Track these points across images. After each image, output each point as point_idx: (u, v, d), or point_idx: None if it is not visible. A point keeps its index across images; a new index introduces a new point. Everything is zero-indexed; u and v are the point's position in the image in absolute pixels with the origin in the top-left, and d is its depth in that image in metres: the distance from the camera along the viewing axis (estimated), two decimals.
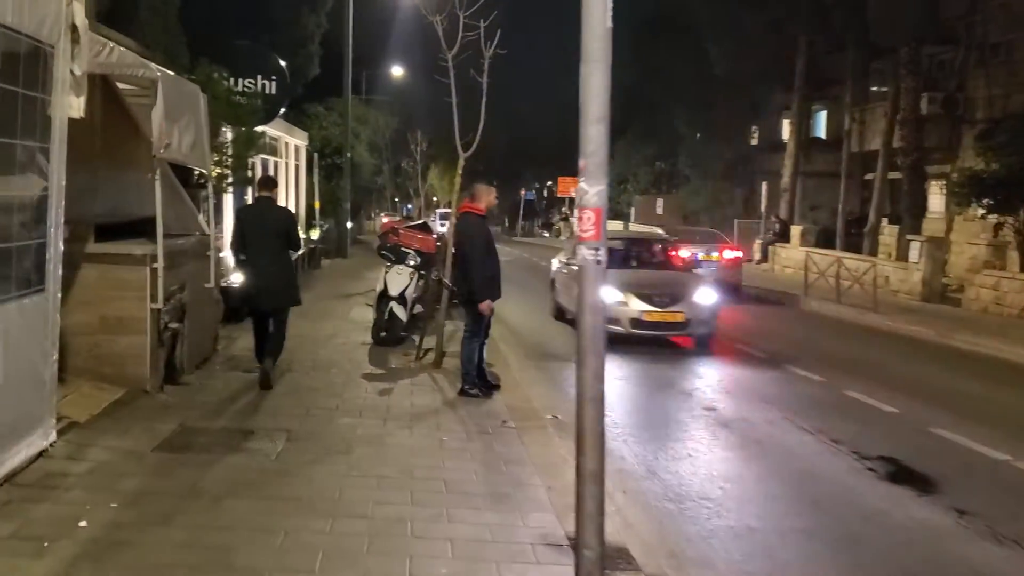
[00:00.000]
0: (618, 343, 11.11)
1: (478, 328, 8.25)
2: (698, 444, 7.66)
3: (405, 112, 37.73)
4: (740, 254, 21.43)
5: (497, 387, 8.46)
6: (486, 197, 8.40)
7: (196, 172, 9.51)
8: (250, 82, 12.68)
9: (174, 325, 7.67)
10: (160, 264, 7.04)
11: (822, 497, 6.27)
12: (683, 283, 12.84)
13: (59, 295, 5.49)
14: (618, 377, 9.89)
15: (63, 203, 5.50)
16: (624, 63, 43.93)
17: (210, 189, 8.73)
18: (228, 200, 12.73)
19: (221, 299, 9.87)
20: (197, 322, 8.52)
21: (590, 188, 3.05)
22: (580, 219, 3.12)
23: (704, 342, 12.29)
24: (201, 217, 8.72)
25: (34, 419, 5.27)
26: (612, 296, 11.39)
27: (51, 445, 5.47)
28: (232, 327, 11.43)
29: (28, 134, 5.01)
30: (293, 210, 20.80)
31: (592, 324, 3.35)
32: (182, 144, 7.61)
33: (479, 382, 8.23)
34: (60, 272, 5.49)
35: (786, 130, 37.25)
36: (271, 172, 18.53)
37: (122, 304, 7.07)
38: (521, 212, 57.08)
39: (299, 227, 11.66)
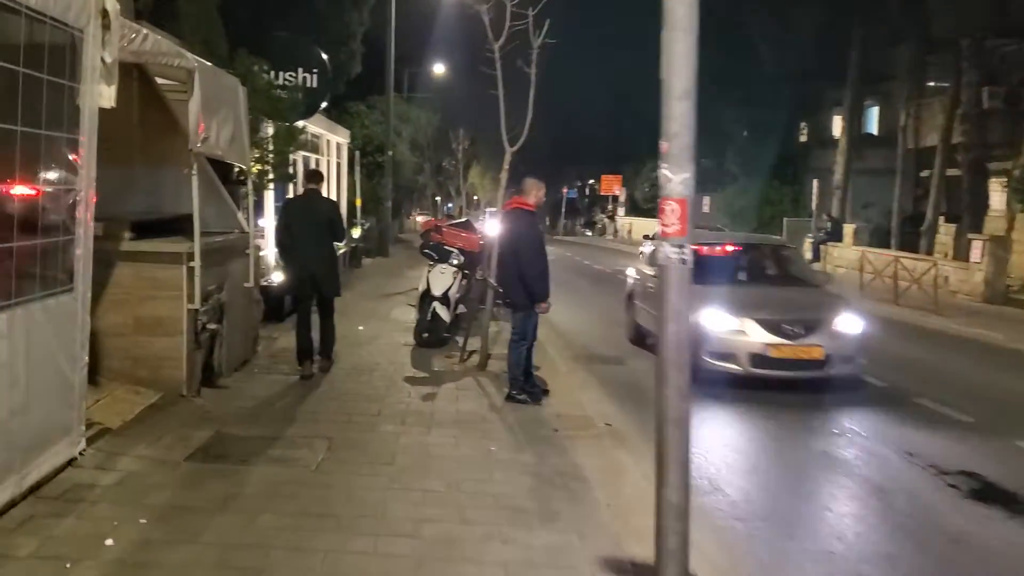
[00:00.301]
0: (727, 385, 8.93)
1: (526, 331, 7.85)
2: (761, 455, 7.19)
3: (447, 110, 37.48)
4: None
5: (546, 392, 8.06)
6: (536, 192, 7.99)
7: (236, 168, 9.24)
8: (291, 75, 12.35)
9: (212, 326, 7.37)
10: (197, 263, 6.74)
11: (902, 516, 5.77)
12: (819, 305, 9.73)
13: (89, 295, 5.20)
14: None
15: (94, 198, 5.19)
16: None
17: (249, 186, 8.44)
18: (269, 197, 12.46)
19: (261, 299, 9.59)
20: (236, 323, 8.24)
21: (674, 175, 2.63)
22: (662, 212, 2.70)
23: (846, 384, 9.17)
24: (240, 214, 8.43)
25: (61, 427, 4.98)
26: (723, 322, 9.08)
27: (80, 454, 5.18)
28: (272, 327, 11.18)
29: (55, 124, 4.72)
30: None
31: (675, 333, 2.93)
32: (220, 138, 7.32)
33: (527, 387, 7.84)
34: (90, 271, 5.19)
35: (836, 126, 36.41)
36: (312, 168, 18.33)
37: (158, 304, 6.79)
38: (563, 210, 56.54)
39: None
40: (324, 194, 9.46)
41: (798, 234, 29.90)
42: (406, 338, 11.08)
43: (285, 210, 9.01)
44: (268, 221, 13.48)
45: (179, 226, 8.31)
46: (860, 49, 27.59)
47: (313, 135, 17.96)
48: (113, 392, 6.50)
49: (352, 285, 16.38)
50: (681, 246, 2.72)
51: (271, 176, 10.24)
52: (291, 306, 12.81)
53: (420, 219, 49.16)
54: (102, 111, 7.25)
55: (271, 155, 9.82)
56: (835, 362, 9.01)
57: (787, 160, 35.26)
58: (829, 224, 26.63)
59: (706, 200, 38.23)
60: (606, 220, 49.60)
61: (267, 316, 11.42)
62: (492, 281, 9.47)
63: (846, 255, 24.40)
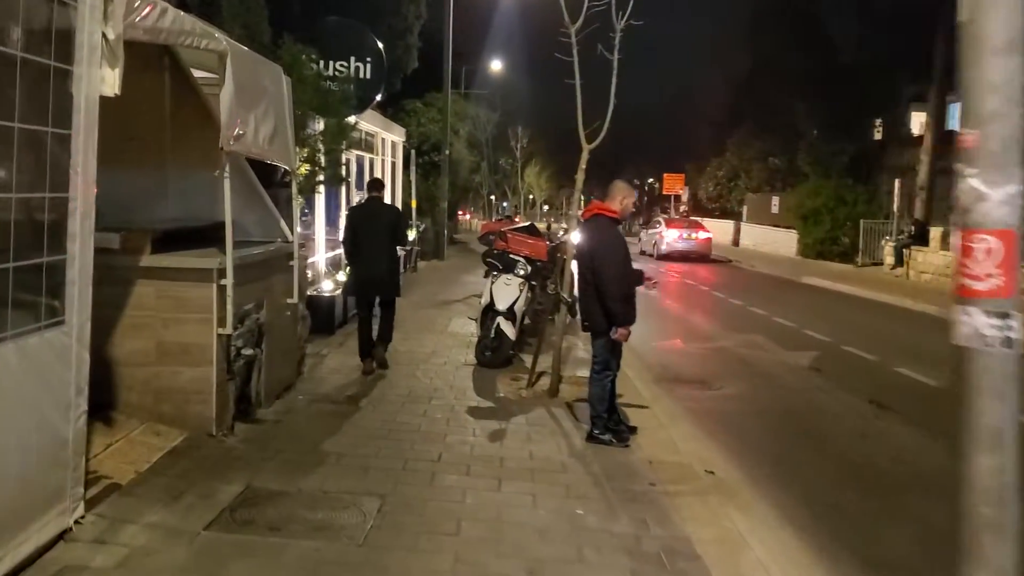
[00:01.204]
0: None
1: (609, 360, 6.72)
2: None
3: (504, 107, 36.45)
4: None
5: (632, 430, 6.93)
6: (624, 198, 6.83)
7: (281, 170, 8.29)
8: (342, 65, 11.22)
9: (248, 352, 6.39)
10: (230, 280, 5.75)
11: None
12: None
13: (88, 327, 4.20)
14: None
15: (93, 208, 4.21)
16: (737, 53, 41.85)
17: (294, 189, 7.45)
18: (319, 202, 11.49)
19: (308, 314, 8.62)
20: (278, 345, 7.26)
21: (991, 187, 1.45)
22: (966, 253, 1.54)
23: None
24: (283, 222, 7.45)
25: (50, 493, 4.00)
26: None
27: (76, 523, 4.20)
28: (322, 341, 10.23)
29: (37, 116, 3.73)
30: None
31: (994, 472, 1.74)
32: (259, 135, 6.33)
33: (612, 425, 6.71)
34: (89, 297, 4.19)
35: (914, 123, 34.53)
36: (366, 169, 17.44)
37: (184, 328, 5.81)
38: None
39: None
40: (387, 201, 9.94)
41: (875, 237, 28.24)
42: (466, 356, 10.05)
43: (350, 217, 9.50)
44: (319, 228, 12.57)
45: (217, 236, 7.39)
46: (947, 38, 25.80)
47: (367, 133, 17.05)
48: (130, 433, 5.53)
49: (407, 292, 15.39)
50: (1006, 315, 1.56)
51: (320, 178, 9.23)
52: (342, 317, 11.89)
53: (466, 216, 48.25)
54: (121, 103, 6.31)
55: (321, 154, 8.81)
56: None
57: (860, 158, 33.53)
58: (912, 227, 24.93)
59: (775, 200, 36.62)
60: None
61: (315, 329, 10.49)
62: (565, 295, 8.38)
63: (932, 260, 22.73)
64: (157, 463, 5.24)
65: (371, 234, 8.70)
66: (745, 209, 40.69)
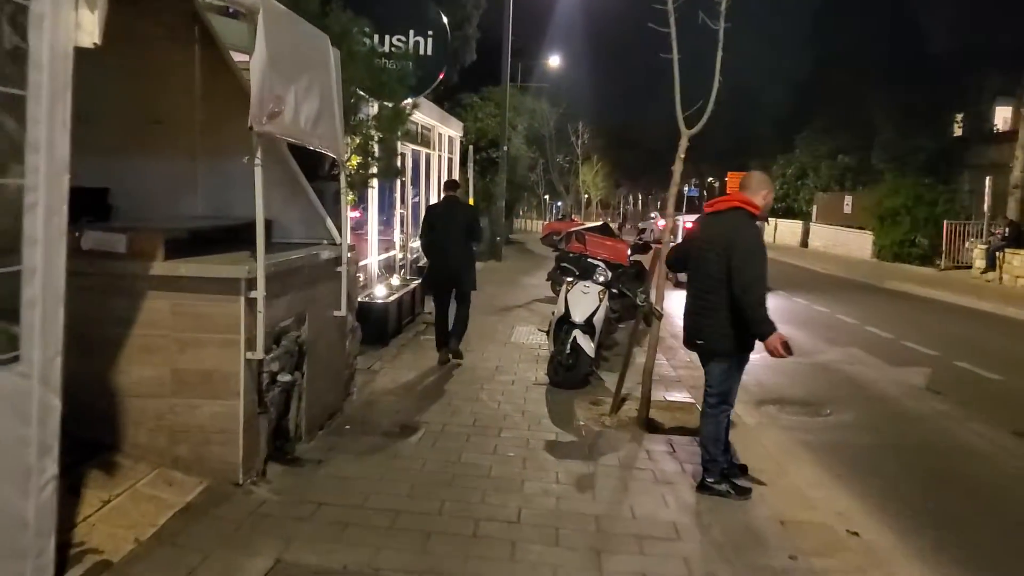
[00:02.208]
0: None
1: (728, 391, 5.45)
2: None
3: (566, 101, 35.18)
4: None
5: (744, 469, 5.67)
6: (768, 193, 5.59)
7: (327, 161, 7.18)
8: (399, 39, 9.92)
9: (286, 378, 5.26)
10: (261, 292, 4.63)
11: None
12: None
13: (58, 362, 3.11)
14: None
15: (65, 202, 3.10)
16: (805, 43, 40.02)
17: (342, 182, 6.31)
18: (372, 199, 10.36)
19: (358, 325, 7.49)
20: (322, 366, 6.14)
21: None
22: None
23: None
24: (329, 221, 6.31)
25: None
26: None
27: None
28: (374, 353, 9.14)
29: None
30: None
31: None
32: (300, 115, 5.20)
33: (729, 472, 5.45)
34: (59, 323, 3.09)
35: (998, 117, 32.45)
36: (422, 165, 16.34)
37: (205, 352, 4.70)
38: (684, 209, 53.22)
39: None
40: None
41: (958, 239, 26.41)
42: (536, 372, 8.88)
43: (428, 216, 9.73)
44: (371, 227, 11.48)
45: (254, 237, 6.32)
46: None
47: (424, 127, 15.94)
48: (135, 484, 4.43)
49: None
50: None
51: (373, 170, 8.08)
52: (396, 326, 10.78)
53: (530, 221, 47.13)
54: (144, 81, 5.39)
55: (374, 143, 7.62)
56: None
57: (939, 155, 31.54)
58: (1006, 228, 23.07)
59: (848, 200, 34.76)
60: None
61: (366, 340, 9.41)
62: (658, 308, 7.14)
63: None
64: (165, 527, 4.12)
65: (447, 232, 9.07)
66: (815, 209, 38.82)
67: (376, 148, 7.51)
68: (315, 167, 6.87)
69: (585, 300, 8.40)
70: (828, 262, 29.59)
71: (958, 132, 33.54)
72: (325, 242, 6.38)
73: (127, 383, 4.68)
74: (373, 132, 7.39)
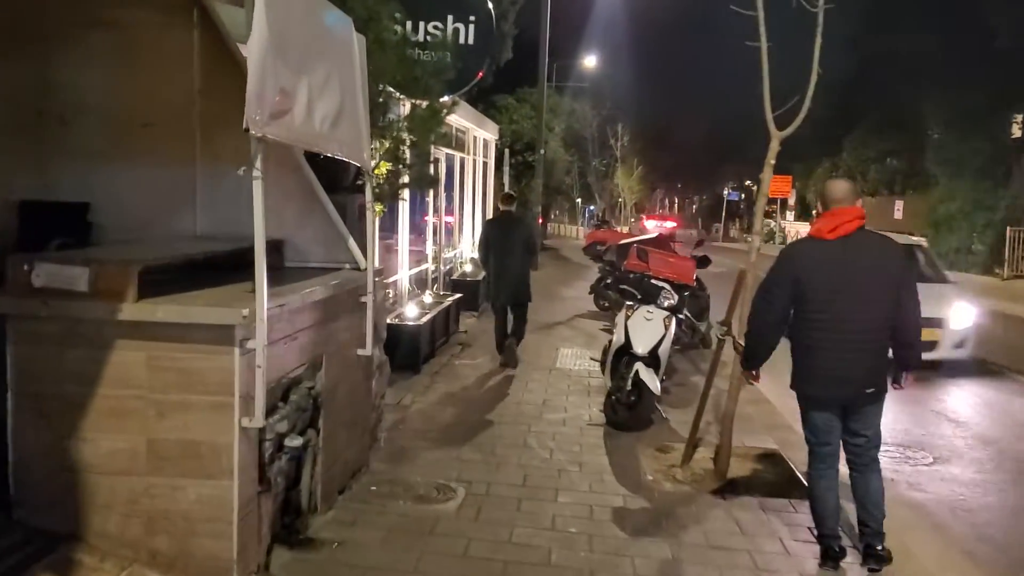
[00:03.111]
0: None
1: (833, 440, 4.44)
2: None
3: (607, 101, 34.00)
4: None
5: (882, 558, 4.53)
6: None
7: (352, 169, 6.12)
8: (436, 26, 8.45)
9: (295, 442, 4.21)
10: (261, 341, 3.58)
11: None
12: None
13: None
14: None
15: None
16: (854, 40, 38.45)
17: (368, 194, 5.25)
18: (402, 208, 9.31)
19: (386, 359, 6.44)
20: (342, 417, 5.09)
21: None
22: None
23: None
24: (351, 240, 5.24)
25: None
26: None
27: None
28: (403, 383, 8.14)
29: None
30: (479, 215, 17.56)
31: None
32: (315, 115, 4.15)
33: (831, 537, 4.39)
34: None
35: None
36: (456, 170, 15.32)
37: (190, 418, 3.65)
38: (724, 214, 51.77)
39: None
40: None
41: (1021, 246, 24.89)
42: (589, 408, 7.81)
43: (485, 230, 10.38)
44: (402, 238, 10.44)
45: (269, 260, 5.29)
46: None
47: (458, 129, 14.90)
48: None
49: None
50: None
51: (404, 179, 7.00)
52: (428, 349, 9.74)
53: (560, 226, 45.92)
54: (133, 76, 4.55)
55: (406, 148, 6.50)
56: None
57: (997, 159, 29.93)
58: None
59: (899, 204, 33.26)
60: (775, 224, 44.84)
61: (397, 366, 8.41)
62: (741, 341, 6.00)
63: None
64: None
65: (504, 245, 9.49)
66: None
67: (408, 154, 6.40)
68: (336, 177, 5.82)
69: (649, 328, 7.29)
70: None
71: (1017, 133, 31.89)
72: (348, 266, 5.33)
73: (91, 457, 3.65)
74: (405, 135, 6.29)
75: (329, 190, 5.64)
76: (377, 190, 6.28)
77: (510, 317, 9.82)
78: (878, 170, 36.81)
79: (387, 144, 6.24)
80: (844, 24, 41.39)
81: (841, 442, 4.61)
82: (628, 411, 7.13)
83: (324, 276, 4.94)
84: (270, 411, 3.96)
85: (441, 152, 13.17)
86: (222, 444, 3.64)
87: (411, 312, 9.67)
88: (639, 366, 7.13)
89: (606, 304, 13.81)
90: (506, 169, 20.02)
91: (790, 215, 43.29)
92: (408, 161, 6.43)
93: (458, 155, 15.23)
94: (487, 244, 9.78)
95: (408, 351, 9.09)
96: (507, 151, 20.66)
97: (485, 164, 18.77)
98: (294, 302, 4.12)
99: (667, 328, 7.36)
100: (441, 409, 7.58)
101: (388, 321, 9.27)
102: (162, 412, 3.65)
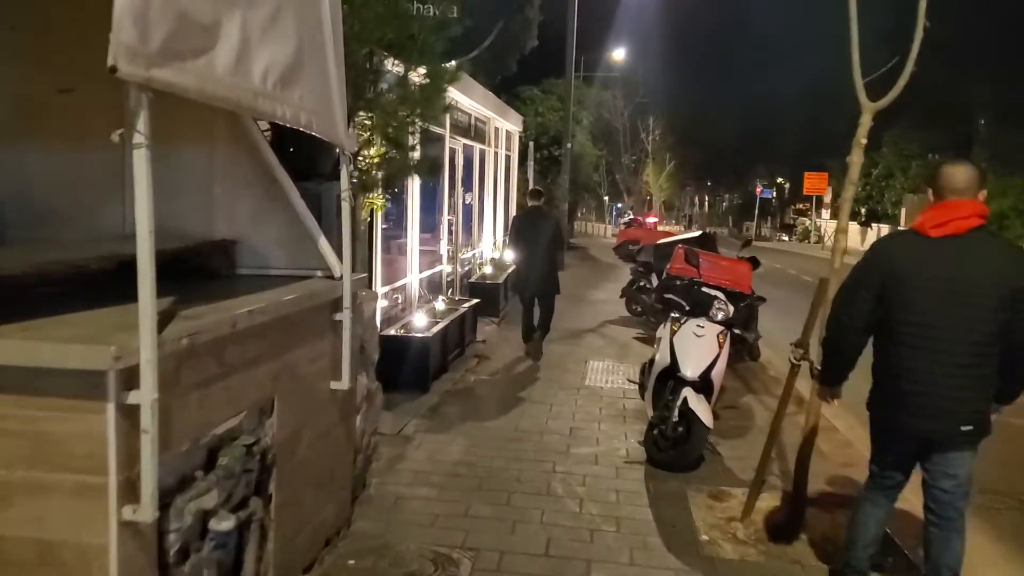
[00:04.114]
0: None
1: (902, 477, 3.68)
2: None
3: (638, 93, 32.59)
4: None
5: None
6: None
7: (331, 152, 4.89)
8: None
9: (224, 525, 2.99)
10: (149, 393, 2.36)
11: None
12: None
13: None
14: None
15: None
16: (889, 34, 36.85)
17: (344, 180, 4.01)
18: (412, 201, 8.03)
19: (378, 386, 5.22)
20: (309, 472, 3.86)
21: None
22: None
23: None
24: (323, 242, 4.01)
25: None
26: None
27: None
28: (406, 407, 6.97)
29: None
30: (501, 211, 16.38)
31: None
32: (252, 63, 2.93)
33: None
34: None
35: None
36: (476, 163, 14.11)
37: (45, 508, 2.44)
38: (757, 211, 50.11)
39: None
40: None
41: None
42: (625, 438, 6.57)
43: (513, 224, 10.41)
44: (411, 235, 9.25)
45: (210, 265, 4.12)
46: None
47: (478, 118, 13.68)
48: None
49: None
50: None
51: (408, 162, 5.71)
52: (439, 362, 8.53)
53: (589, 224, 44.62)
54: (42, 28, 3.24)
55: (395, 127, 5.16)
56: None
57: None
58: None
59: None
60: (810, 223, 43.21)
61: (402, 385, 7.27)
62: (818, 366, 4.73)
63: None
64: None
65: (532, 240, 9.60)
66: (903, 212, 35.62)
67: (399, 133, 5.09)
68: (314, 160, 4.60)
69: (700, 346, 6.01)
70: None
71: None
72: (320, 274, 4.12)
73: None
74: (399, 109, 4.99)
75: (302, 176, 4.44)
76: (361, 177, 5.02)
77: (537, 310, 9.83)
78: (921, 166, 35.15)
79: (372, 119, 4.97)
80: (884, 14, 39.79)
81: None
82: (674, 448, 5.86)
83: (282, 288, 3.72)
84: (180, 487, 2.75)
85: (458, 142, 11.97)
86: (93, 547, 2.42)
87: (420, 322, 8.45)
88: (688, 393, 5.86)
89: (639, 309, 12.52)
90: (530, 164, 18.77)
91: (826, 213, 41.61)
92: (400, 142, 5.14)
93: (478, 146, 14.02)
94: (516, 237, 9.98)
95: (415, 367, 7.89)
96: (531, 144, 19.38)
97: (508, 157, 17.56)
98: (218, 328, 2.89)
99: (721, 346, 6.07)
100: (449, 441, 6.35)
101: (393, 333, 8.08)
102: (5, 499, 2.44)
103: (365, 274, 4.72)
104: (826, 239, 39.77)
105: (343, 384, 4.04)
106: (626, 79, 33.42)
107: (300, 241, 4.12)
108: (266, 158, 4.02)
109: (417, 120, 5.04)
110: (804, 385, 5.02)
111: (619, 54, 35.01)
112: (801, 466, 4.87)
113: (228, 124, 4.05)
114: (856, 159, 4.90)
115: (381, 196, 6.75)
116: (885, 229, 36.65)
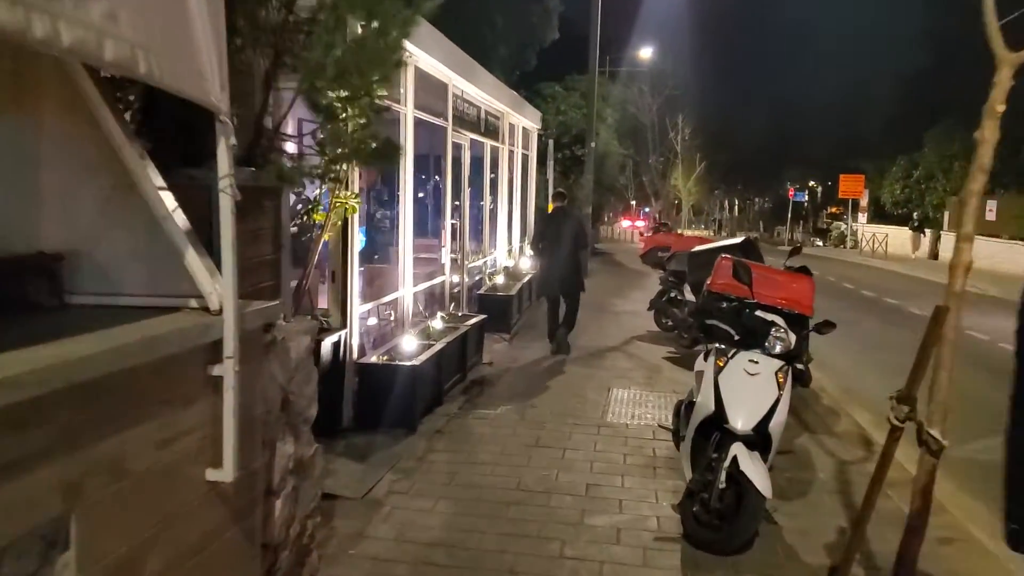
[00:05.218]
0: None
1: None
2: None
3: (665, 89, 31.07)
4: None
5: None
6: None
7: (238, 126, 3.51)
8: None
9: None
10: None
11: None
12: None
13: None
14: None
15: None
16: (927, 32, 35.09)
17: (224, 162, 2.64)
18: (406, 209, 6.63)
19: (318, 447, 3.84)
20: None
21: None
22: None
23: None
24: (191, 255, 2.63)
25: None
26: None
27: None
28: (386, 451, 5.70)
29: None
30: (517, 215, 15.02)
31: None
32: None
33: None
34: None
35: None
36: (487, 160, 12.73)
37: None
38: (790, 215, 48.21)
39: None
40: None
41: None
42: (654, 499, 5.13)
43: (538, 223, 11.54)
44: (404, 241, 7.89)
45: (27, 291, 2.75)
46: None
47: (490, 112, 12.29)
48: None
49: (540, 326, 10.55)
50: None
51: (343, 149, 4.17)
52: (431, 397, 7.15)
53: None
54: None
55: (328, 89, 3.65)
56: None
57: None
58: None
59: (991, 204, 29.75)
60: (845, 227, 41.31)
61: (387, 423, 5.96)
62: (936, 433, 3.29)
63: None
64: None
65: (556, 239, 9.72)
66: (947, 215, 33.75)
67: (334, 100, 3.62)
68: (195, 137, 3.20)
69: (754, 389, 4.56)
70: (976, 278, 24.81)
71: None
72: (194, 303, 2.74)
73: None
74: (329, 70, 3.48)
75: (189, 161, 3.09)
76: (329, 167, 3.60)
77: (562, 308, 9.93)
78: (964, 167, 33.29)
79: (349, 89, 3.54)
80: (923, 12, 38.00)
81: None
82: (720, 522, 4.42)
83: (118, 328, 2.34)
84: None
85: (464, 137, 10.59)
86: None
87: (408, 346, 7.07)
88: (739, 450, 4.42)
89: (670, 323, 11.07)
90: (550, 164, 17.35)
91: (862, 217, 39.74)
92: (334, 113, 3.68)
93: (489, 143, 12.62)
94: (540, 238, 10.13)
95: (400, 402, 6.55)
96: (551, 143, 17.95)
97: (525, 156, 16.16)
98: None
99: (781, 388, 4.62)
100: (427, 509, 4.96)
101: (373, 360, 6.71)
102: None
103: (277, 301, 3.32)
104: (863, 244, 37.90)
105: (225, 475, 2.65)
106: (655, 72, 31.87)
107: (169, 255, 2.74)
108: (112, 130, 2.65)
109: (360, 85, 3.57)
110: (907, 454, 3.58)
111: (646, 52, 33.50)
112: (909, 559, 3.44)
113: (58, 82, 2.70)
114: (989, 134, 3.45)
115: (355, 195, 5.39)
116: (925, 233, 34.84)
